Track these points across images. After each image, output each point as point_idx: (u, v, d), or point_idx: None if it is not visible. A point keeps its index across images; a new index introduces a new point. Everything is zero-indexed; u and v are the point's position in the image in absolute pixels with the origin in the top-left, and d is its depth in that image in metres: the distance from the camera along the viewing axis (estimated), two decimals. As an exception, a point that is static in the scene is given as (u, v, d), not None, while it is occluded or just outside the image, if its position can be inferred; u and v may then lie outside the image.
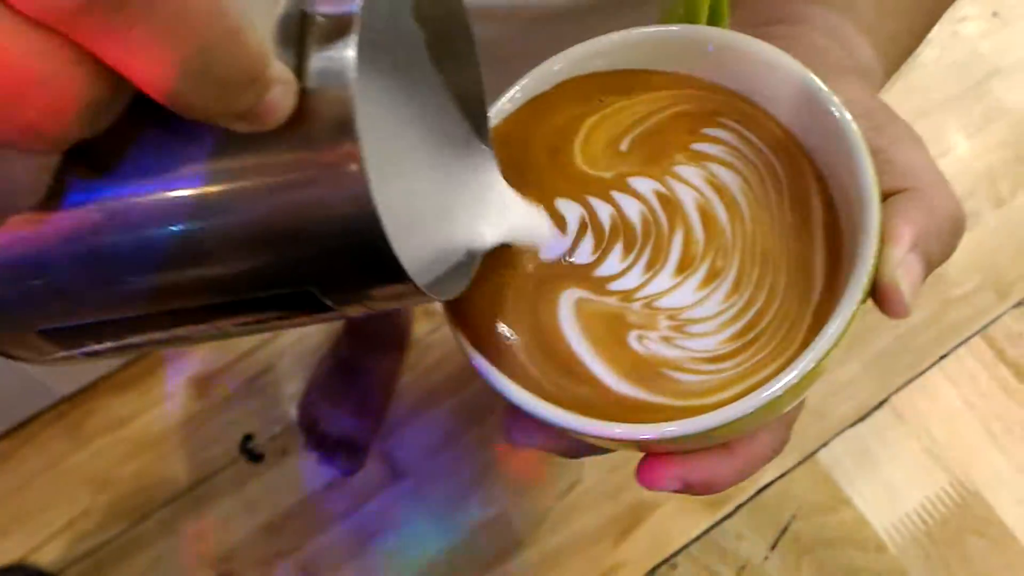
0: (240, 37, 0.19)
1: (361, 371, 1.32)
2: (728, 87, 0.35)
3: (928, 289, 1.28)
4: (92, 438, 1.36)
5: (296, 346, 1.40)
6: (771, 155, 0.33)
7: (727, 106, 0.34)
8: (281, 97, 0.21)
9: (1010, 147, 1.48)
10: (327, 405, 1.33)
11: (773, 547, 1.24)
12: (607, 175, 0.35)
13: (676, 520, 1.26)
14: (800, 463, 1.28)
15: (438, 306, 0.33)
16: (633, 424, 0.29)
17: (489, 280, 0.34)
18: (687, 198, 0.34)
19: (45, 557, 1.30)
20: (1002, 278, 1.38)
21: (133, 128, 0.22)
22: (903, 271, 0.29)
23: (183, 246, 0.22)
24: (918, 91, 1.52)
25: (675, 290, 0.32)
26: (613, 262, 0.33)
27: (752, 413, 0.28)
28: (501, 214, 0.32)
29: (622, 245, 0.34)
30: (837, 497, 1.26)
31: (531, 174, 0.35)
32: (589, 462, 1.27)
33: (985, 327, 1.35)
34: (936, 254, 0.30)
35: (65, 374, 1.34)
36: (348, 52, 0.21)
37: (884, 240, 0.29)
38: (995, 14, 1.59)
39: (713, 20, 0.54)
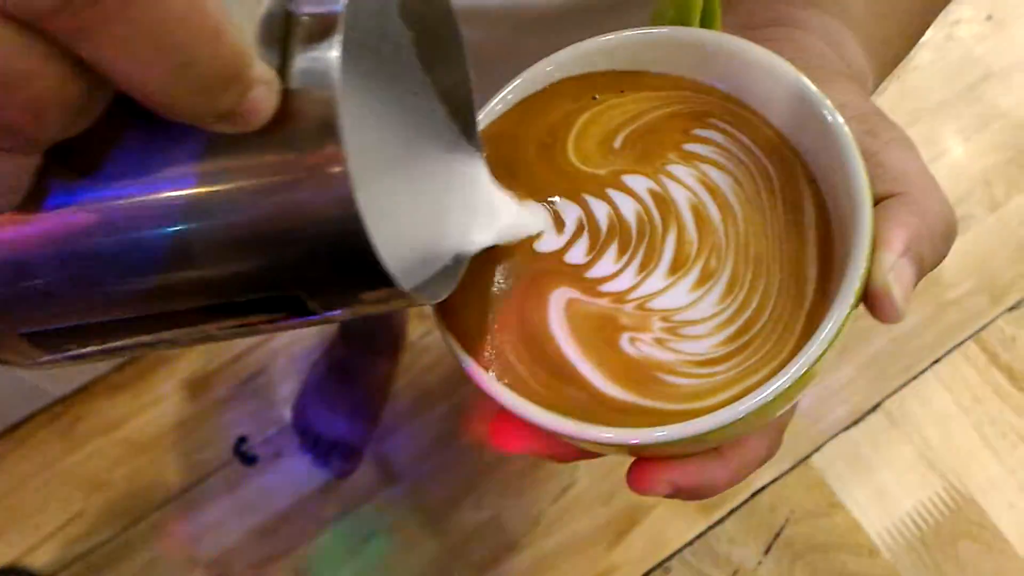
0: (219, 36, 0.19)
1: (355, 374, 1.32)
2: (721, 89, 0.34)
3: (922, 292, 1.28)
4: (86, 440, 1.36)
5: (290, 348, 1.40)
6: (764, 157, 0.33)
7: (720, 108, 0.34)
8: (263, 97, 0.20)
9: (1005, 150, 1.48)
10: (321, 408, 1.33)
11: (766, 552, 1.24)
12: (601, 172, 0.35)
13: (670, 524, 1.26)
14: (793, 467, 1.28)
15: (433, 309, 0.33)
16: (623, 428, 0.29)
17: (479, 282, 0.33)
18: (680, 197, 0.34)
19: (38, 559, 1.29)
20: (996, 282, 1.39)
21: (116, 129, 0.22)
22: (895, 276, 0.29)
23: (165, 248, 0.22)
24: (913, 94, 1.52)
25: (668, 291, 0.32)
26: (607, 262, 0.33)
27: (743, 418, 0.28)
28: (489, 216, 0.32)
29: (617, 245, 0.33)
30: (830, 502, 1.26)
31: (523, 171, 0.35)
32: (583, 465, 1.27)
33: (978, 331, 1.35)
34: (928, 259, 0.30)
35: (59, 376, 1.34)
36: (332, 52, 0.21)
37: (876, 244, 0.29)
38: (989, 17, 1.59)
39: (705, 22, 0.54)
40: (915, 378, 1.33)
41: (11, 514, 1.32)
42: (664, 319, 0.32)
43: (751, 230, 0.32)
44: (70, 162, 0.22)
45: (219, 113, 0.20)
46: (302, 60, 0.21)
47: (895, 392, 1.32)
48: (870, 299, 0.29)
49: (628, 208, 0.34)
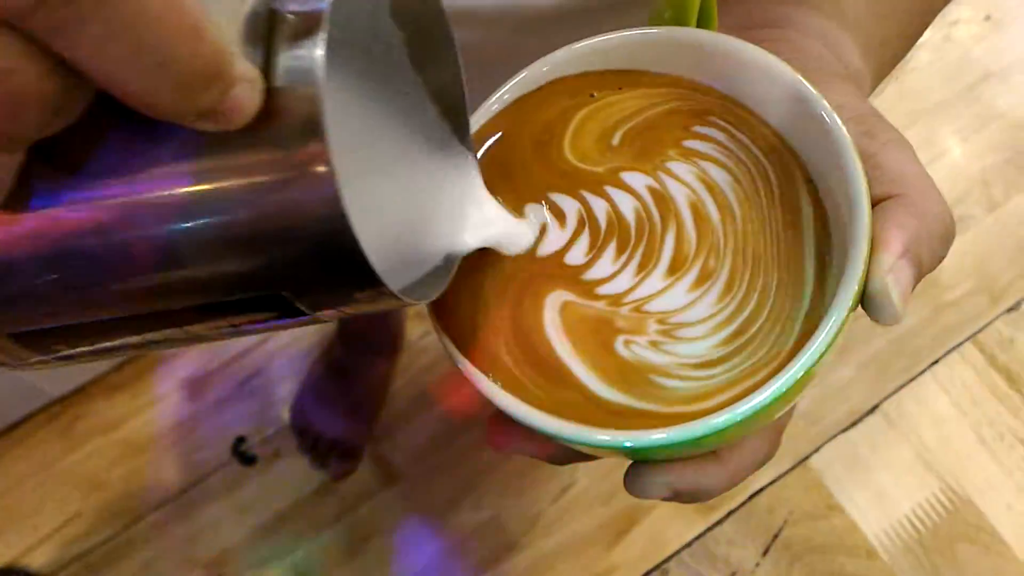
0: (198, 34, 0.19)
1: (354, 374, 1.32)
2: (718, 89, 0.34)
3: (921, 293, 1.28)
4: (84, 440, 1.36)
5: (288, 349, 1.40)
6: (763, 157, 0.33)
7: (719, 106, 0.34)
8: (245, 95, 0.20)
9: (1003, 151, 1.48)
10: (320, 408, 1.33)
11: (764, 553, 1.24)
12: (599, 169, 0.35)
13: (669, 525, 1.26)
14: (792, 468, 1.28)
15: None
16: (620, 431, 0.29)
17: (475, 284, 0.33)
18: (680, 195, 0.33)
19: (36, 560, 1.29)
20: (995, 283, 1.38)
21: (102, 128, 0.21)
22: (894, 277, 0.29)
23: (149, 248, 0.22)
24: (911, 95, 1.52)
25: (666, 292, 0.32)
26: (606, 263, 0.33)
27: (741, 421, 0.28)
28: (480, 217, 0.32)
29: (616, 244, 0.33)
30: (828, 503, 1.26)
31: (520, 170, 0.35)
32: (583, 466, 1.27)
33: (977, 332, 1.35)
34: (926, 261, 0.30)
35: (57, 376, 1.34)
36: (316, 50, 0.21)
37: (875, 246, 0.29)
38: (988, 18, 1.59)
39: (702, 23, 0.54)
40: (913, 379, 1.33)
41: (9, 514, 1.32)
42: (662, 321, 0.32)
43: (750, 229, 0.32)
44: (55, 161, 0.22)
45: (200, 111, 0.20)
46: (286, 58, 0.21)
47: (893, 393, 1.32)
48: (868, 301, 0.29)
49: (627, 206, 0.34)
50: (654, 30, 0.35)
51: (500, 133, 0.35)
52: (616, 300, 0.32)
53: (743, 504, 1.26)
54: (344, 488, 1.31)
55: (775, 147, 0.33)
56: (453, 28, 0.30)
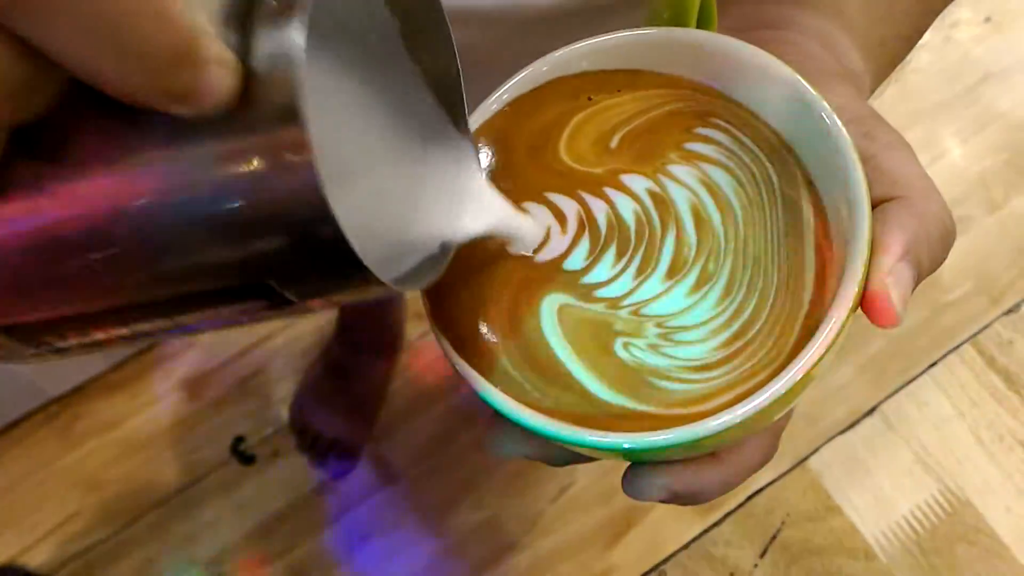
0: (164, 15, 0.18)
1: (353, 374, 1.32)
2: (718, 90, 0.34)
3: (920, 295, 1.28)
4: (82, 440, 1.36)
5: (288, 348, 1.40)
6: (764, 158, 0.33)
7: (721, 107, 0.34)
8: (219, 78, 0.20)
9: (1003, 152, 1.48)
10: (319, 407, 1.33)
11: (762, 555, 1.24)
12: (597, 171, 0.34)
13: (668, 525, 1.26)
14: (790, 470, 1.28)
15: None
16: (618, 433, 0.29)
17: (475, 285, 0.33)
18: (680, 197, 0.33)
19: (35, 559, 1.29)
20: (994, 284, 1.38)
21: (81, 116, 0.21)
22: (893, 280, 0.29)
23: (128, 236, 0.22)
24: (911, 96, 1.52)
25: (665, 295, 0.32)
26: (605, 266, 0.33)
27: (740, 423, 0.28)
28: (477, 204, 0.32)
29: (615, 248, 0.33)
30: (827, 505, 1.26)
31: (519, 171, 0.35)
32: (581, 466, 1.27)
33: (976, 334, 1.35)
34: (926, 263, 0.30)
35: (56, 375, 1.34)
36: (295, 33, 0.20)
37: (874, 248, 0.29)
38: (988, 19, 1.59)
39: (701, 24, 0.54)
40: (912, 381, 1.33)
41: (8, 513, 1.32)
42: (659, 324, 0.32)
43: (750, 231, 0.32)
44: (34, 151, 0.21)
45: (171, 94, 0.19)
46: (265, 41, 0.21)
47: (892, 395, 1.32)
48: (868, 303, 0.29)
49: (626, 209, 0.34)
50: (653, 30, 0.35)
51: (498, 134, 0.35)
52: (615, 303, 0.32)
53: (741, 505, 1.26)
54: (343, 487, 1.31)
55: (776, 148, 0.33)
56: (452, 28, 0.30)
